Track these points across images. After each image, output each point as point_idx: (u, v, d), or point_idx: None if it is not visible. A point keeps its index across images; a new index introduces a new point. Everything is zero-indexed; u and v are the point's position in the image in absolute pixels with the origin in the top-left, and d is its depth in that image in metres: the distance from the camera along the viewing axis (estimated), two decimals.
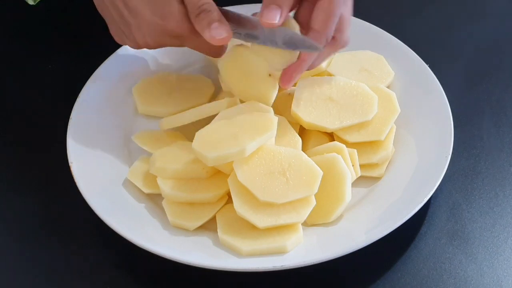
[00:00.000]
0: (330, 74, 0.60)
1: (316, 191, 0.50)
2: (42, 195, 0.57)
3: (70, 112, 0.59)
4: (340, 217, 0.52)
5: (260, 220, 0.48)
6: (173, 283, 0.51)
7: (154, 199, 0.54)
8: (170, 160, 0.53)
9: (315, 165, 0.50)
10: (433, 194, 0.52)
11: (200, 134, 0.51)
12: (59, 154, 0.56)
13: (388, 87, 0.60)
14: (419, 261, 0.51)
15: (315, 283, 0.50)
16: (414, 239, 0.53)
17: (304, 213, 0.49)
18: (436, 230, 0.53)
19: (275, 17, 0.49)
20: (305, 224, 0.51)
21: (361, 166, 0.54)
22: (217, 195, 0.52)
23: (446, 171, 0.53)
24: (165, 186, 0.52)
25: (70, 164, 0.54)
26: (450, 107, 0.57)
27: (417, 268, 0.51)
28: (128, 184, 0.54)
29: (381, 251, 0.51)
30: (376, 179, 0.55)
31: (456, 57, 0.68)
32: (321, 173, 0.50)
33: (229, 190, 0.50)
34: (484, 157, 0.59)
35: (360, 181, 0.54)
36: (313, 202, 0.50)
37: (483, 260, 0.51)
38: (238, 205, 0.49)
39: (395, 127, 0.57)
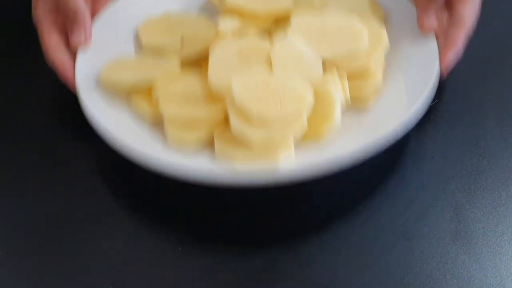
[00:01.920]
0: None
1: (308, 104, 0.53)
2: (41, 194, 0.57)
3: (70, 113, 0.59)
4: (332, 139, 0.54)
5: (254, 133, 0.51)
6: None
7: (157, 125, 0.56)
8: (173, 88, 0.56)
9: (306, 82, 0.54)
10: (435, 194, 0.53)
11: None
12: (59, 154, 0.56)
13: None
14: (422, 261, 0.51)
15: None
16: (416, 239, 0.53)
17: (296, 128, 0.52)
18: (439, 230, 0.53)
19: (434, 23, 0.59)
20: (297, 144, 0.53)
21: (351, 98, 0.57)
22: (215, 111, 0.54)
23: (449, 171, 0.53)
24: (165, 106, 0.55)
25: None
26: (453, 106, 0.57)
27: (419, 268, 0.51)
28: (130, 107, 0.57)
29: (384, 251, 0.51)
30: (366, 110, 0.57)
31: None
32: (311, 89, 0.53)
33: (226, 109, 0.53)
34: (487, 157, 0.58)
35: (349, 112, 0.57)
36: (306, 115, 0.52)
37: (487, 260, 0.51)
38: (234, 120, 0.52)
39: (384, 61, 0.59)
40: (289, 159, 0.52)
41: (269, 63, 0.56)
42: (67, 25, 0.60)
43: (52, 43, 0.60)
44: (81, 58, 0.60)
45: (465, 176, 0.57)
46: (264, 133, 0.51)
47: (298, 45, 0.58)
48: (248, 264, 0.52)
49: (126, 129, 0.55)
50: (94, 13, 0.63)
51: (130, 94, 0.58)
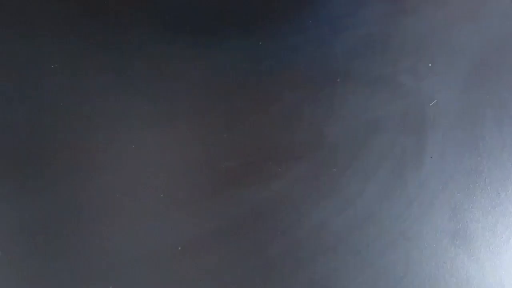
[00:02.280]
0: None
1: None
2: (41, 194, 0.57)
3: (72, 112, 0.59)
4: None
5: None
6: None
7: None
8: None
9: None
10: (434, 194, 0.53)
11: None
12: (60, 161, 0.56)
13: None
14: (421, 261, 0.51)
15: None
16: (416, 239, 0.53)
17: None
18: (438, 230, 0.53)
19: None
20: None
21: None
22: None
23: (448, 170, 0.53)
24: None
25: None
26: (452, 107, 0.57)
27: (419, 268, 0.51)
28: None
29: (383, 250, 0.51)
30: None
31: (457, 57, 0.68)
32: None
33: None
34: (486, 157, 0.59)
35: None
36: None
37: (485, 260, 0.51)
38: None
39: None
40: None
41: None
42: None
43: None
44: None
45: (464, 176, 0.57)
46: None
47: None
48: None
49: None
50: None
51: None
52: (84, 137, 0.60)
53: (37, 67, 0.69)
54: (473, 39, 0.69)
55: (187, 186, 0.57)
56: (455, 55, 0.69)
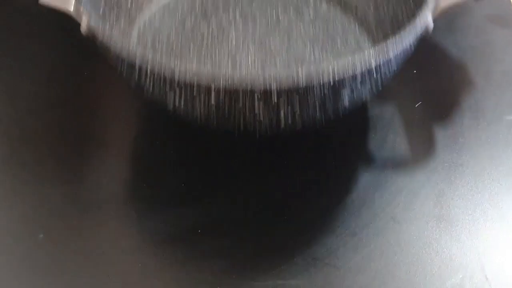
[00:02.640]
0: None
1: None
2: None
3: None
4: None
5: None
6: None
7: None
8: None
9: None
10: (421, 184, 0.58)
11: None
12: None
13: None
14: (410, 242, 0.56)
15: None
16: (405, 223, 0.57)
17: None
18: (424, 215, 0.58)
19: None
20: None
21: None
22: None
23: (432, 164, 0.58)
24: None
25: None
26: (434, 107, 0.62)
27: (408, 248, 0.55)
28: None
29: (376, 233, 0.56)
30: None
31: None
32: None
33: None
34: (465, 151, 0.64)
35: None
36: None
37: (466, 240, 0.56)
38: None
39: None
40: None
41: None
42: None
43: None
44: None
45: (446, 168, 0.62)
46: None
47: None
48: None
49: None
50: None
51: None
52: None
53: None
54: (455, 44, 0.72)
55: None
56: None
